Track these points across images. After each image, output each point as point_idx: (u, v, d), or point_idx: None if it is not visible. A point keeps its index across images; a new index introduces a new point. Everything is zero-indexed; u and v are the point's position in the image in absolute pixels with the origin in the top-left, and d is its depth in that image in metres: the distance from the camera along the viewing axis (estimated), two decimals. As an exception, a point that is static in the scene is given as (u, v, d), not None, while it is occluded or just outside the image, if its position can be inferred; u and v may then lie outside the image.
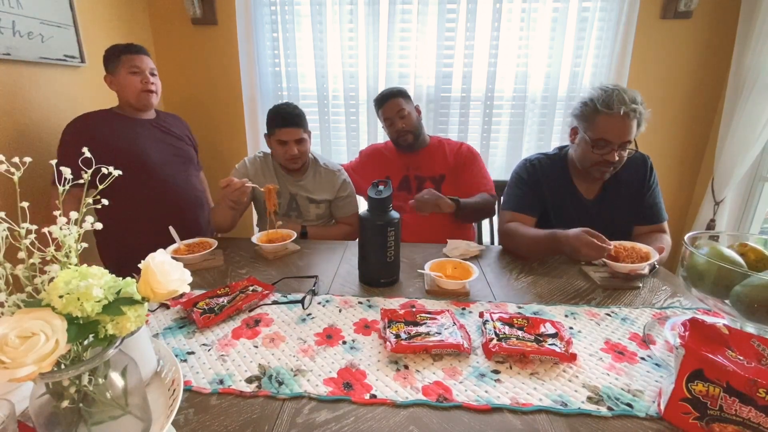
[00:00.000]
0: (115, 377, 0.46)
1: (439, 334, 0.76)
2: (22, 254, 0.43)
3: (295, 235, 1.25)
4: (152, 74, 1.45)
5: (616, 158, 1.15)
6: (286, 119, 1.41)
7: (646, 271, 1.03)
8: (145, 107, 1.47)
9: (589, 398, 0.63)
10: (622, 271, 1.03)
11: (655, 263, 1.06)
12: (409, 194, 1.63)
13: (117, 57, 1.39)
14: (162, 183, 1.47)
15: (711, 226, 2.01)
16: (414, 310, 0.87)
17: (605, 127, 1.14)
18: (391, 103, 1.56)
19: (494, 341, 0.73)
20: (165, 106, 2.19)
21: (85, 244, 0.47)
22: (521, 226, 1.25)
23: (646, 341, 0.78)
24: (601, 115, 1.13)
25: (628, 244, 1.09)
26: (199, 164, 1.70)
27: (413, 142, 1.60)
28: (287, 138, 1.40)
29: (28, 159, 0.46)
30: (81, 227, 0.45)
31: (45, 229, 0.44)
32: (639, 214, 1.27)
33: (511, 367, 0.70)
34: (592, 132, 1.16)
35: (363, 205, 1.67)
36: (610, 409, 0.61)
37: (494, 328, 0.78)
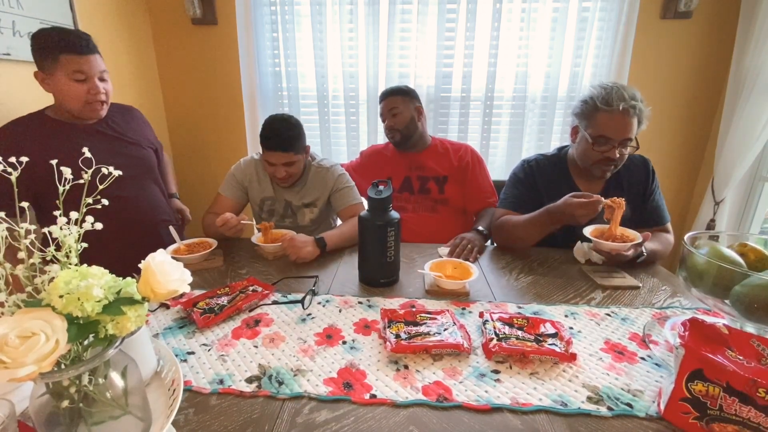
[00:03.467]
0: (115, 377, 0.46)
1: (439, 334, 0.76)
2: (22, 254, 0.43)
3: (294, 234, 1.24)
4: (102, 79, 1.17)
5: (617, 155, 1.15)
6: (272, 143, 1.29)
7: (629, 253, 1.03)
8: (91, 119, 1.22)
9: (589, 398, 0.63)
10: (604, 248, 1.04)
11: (643, 250, 1.06)
12: (411, 195, 1.63)
13: (55, 56, 1.09)
14: (110, 201, 1.26)
15: (711, 226, 2.01)
16: (414, 310, 0.87)
17: (605, 124, 1.14)
18: (387, 101, 1.60)
19: (494, 341, 0.73)
20: (165, 107, 2.19)
21: (85, 244, 0.47)
22: (513, 216, 1.27)
23: (645, 341, 0.78)
24: (601, 112, 1.14)
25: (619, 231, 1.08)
26: (159, 144, 1.50)
27: (399, 141, 1.62)
28: (274, 161, 1.33)
29: (24, 159, 0.47)
30: (81, 227, 0.45)
31: (45, 230, 0.44)
32: (643, 218, 1.27)
33: (511, 367, 0.70)
34: (592, 129, 1.17)
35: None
36: (609, 409, 0.61)
37: (494, 328, 0.78)
